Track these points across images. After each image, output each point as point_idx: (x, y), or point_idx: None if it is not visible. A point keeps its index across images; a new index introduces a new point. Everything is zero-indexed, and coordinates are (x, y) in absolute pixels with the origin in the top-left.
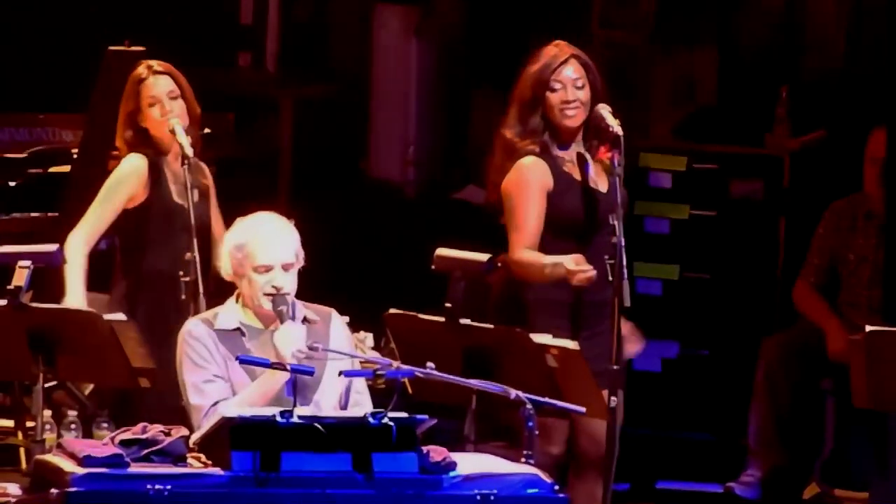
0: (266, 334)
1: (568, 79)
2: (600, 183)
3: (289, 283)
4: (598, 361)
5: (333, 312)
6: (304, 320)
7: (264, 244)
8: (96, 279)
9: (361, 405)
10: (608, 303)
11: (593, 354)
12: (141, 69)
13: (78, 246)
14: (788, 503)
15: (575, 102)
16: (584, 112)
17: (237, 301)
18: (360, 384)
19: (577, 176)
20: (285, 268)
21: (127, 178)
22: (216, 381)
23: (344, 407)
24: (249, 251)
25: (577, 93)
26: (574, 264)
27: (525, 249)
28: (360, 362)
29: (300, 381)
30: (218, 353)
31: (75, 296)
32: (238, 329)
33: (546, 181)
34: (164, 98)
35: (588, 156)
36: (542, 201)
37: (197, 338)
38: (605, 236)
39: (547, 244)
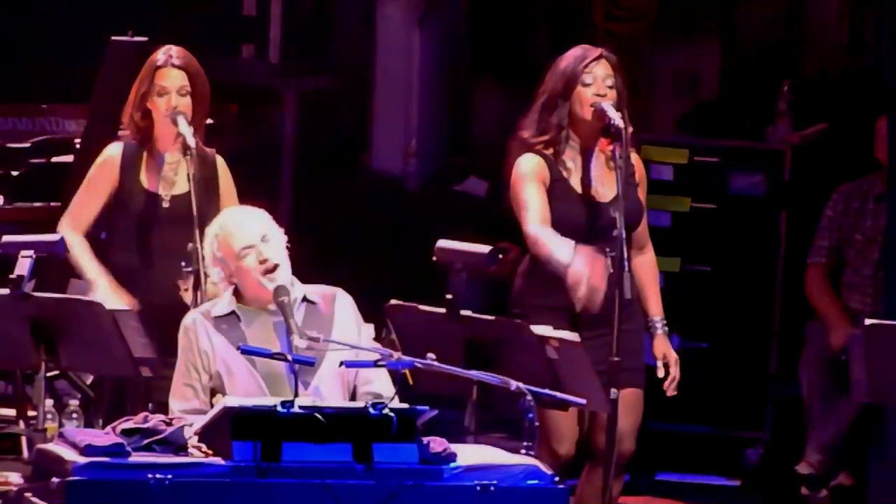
0: (263, 317)
1: (600, 74)
2: (606, 182)
3: (273, 251)
4: (605, 362)
5: (339, 292)
6: (304, 300)
7: (236, 230)
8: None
9: (371, 381)
10: (611, 309)
11: (599, 356)
12: (161, 55)
13: (66, 230)
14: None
15: (606, 97)
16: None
17: (233, 294)
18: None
19: (576, 184)
20: (264, 239)
21: (99, 165)
22: (193, 386)
23: (352, 388)
24: (228, 244)
25: (608, 90)
26: (571, 280)
27: (535, 224)
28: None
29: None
30: (209, 343)
31: (90, 271)
32: (233, 313)
33: (544, 175)
34: (173, 92)
35: (596, 153)
36: (542, 188)
37: (186, 331)
38: (608, 236)
39: None
